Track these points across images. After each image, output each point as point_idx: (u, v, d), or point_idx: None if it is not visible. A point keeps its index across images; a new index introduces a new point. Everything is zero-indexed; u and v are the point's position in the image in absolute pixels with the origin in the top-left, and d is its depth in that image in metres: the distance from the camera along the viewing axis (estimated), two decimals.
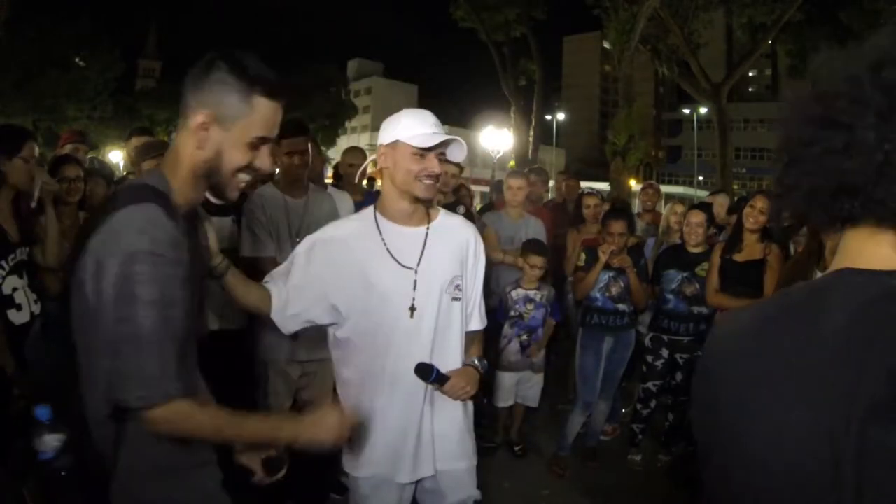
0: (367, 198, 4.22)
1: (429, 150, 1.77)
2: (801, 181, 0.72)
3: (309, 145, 3.05)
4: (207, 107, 1.28)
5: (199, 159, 1.32)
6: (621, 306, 3.80)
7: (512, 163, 24.87)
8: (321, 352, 3.04)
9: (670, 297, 3.81)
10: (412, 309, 1.82)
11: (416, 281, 1.82)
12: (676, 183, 42.62)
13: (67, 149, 4.13)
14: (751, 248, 3.58)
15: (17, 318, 2.45)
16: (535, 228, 4.25)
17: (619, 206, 4.72)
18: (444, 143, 1.80)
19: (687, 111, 41.64)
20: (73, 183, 3.04)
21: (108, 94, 32.15)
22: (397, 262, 1.83)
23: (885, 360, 0.61)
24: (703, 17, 19.05)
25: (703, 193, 25.65)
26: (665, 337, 3.84)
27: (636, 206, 6.45)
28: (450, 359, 1.88)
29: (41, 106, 27.15)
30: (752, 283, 3.48)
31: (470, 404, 2.00)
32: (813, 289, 0.75)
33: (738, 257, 3.59)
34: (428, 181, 1.79)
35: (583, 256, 3.89)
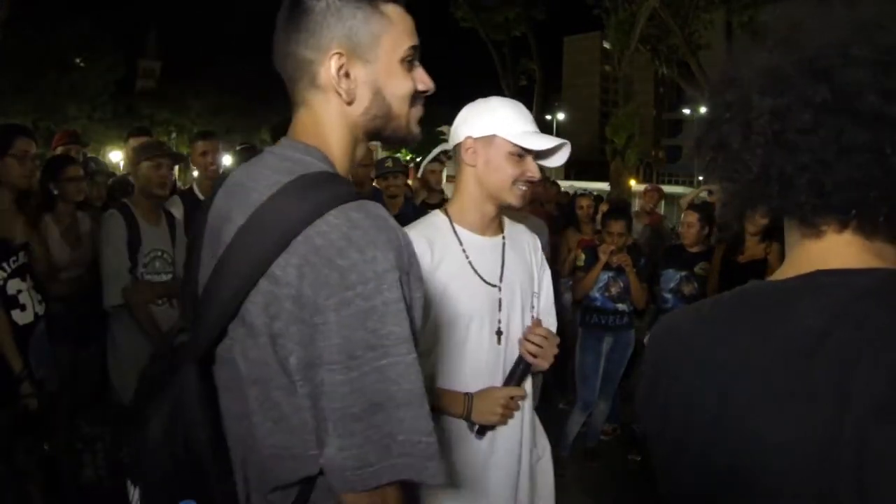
0: (371, 195, 4.23)
1: (525, 150, 1.50)
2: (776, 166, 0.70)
3: None
4: (336, 46, 0.93)
5: (356, 117, 0.97)
6: (621, 306, 3.81)
7: None
8: None
9: (668, 296, 3.81)
10: (499, 333, 1.55)
11: (500, 300, 1.55)
12: (676, 183, 42.57)
13: (60, 150, 4.14)
14: (752, 249, 3.59)
15: (21, 318, 2.46)
16: (538, 227, 4.23)
17: (618, 206, 4.72)
18: (551, 148, 1.53)
19: (687, 111, 41.61)
20: (77, 183, 3.05)
21: (108, 94, 32.17)
22: (482, 279, 1.54)
23: (882, 358, 0.60)
24: (704, 18, 19.06)
25: (702, 194, 25.65)
26: None
27: (636, 206, 6.47)
28: (528, 383, 1.63)
29: (41, 106, 27.16)
30: None
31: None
32: (779, 289, 0.73)
33: (741, 259, 3.60)
34: (524, 188, 1.53)
35: (582, 256, 3.89)
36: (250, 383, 0.90)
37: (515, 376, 1.56)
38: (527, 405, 1.61)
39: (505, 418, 1.51)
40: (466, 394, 1.51)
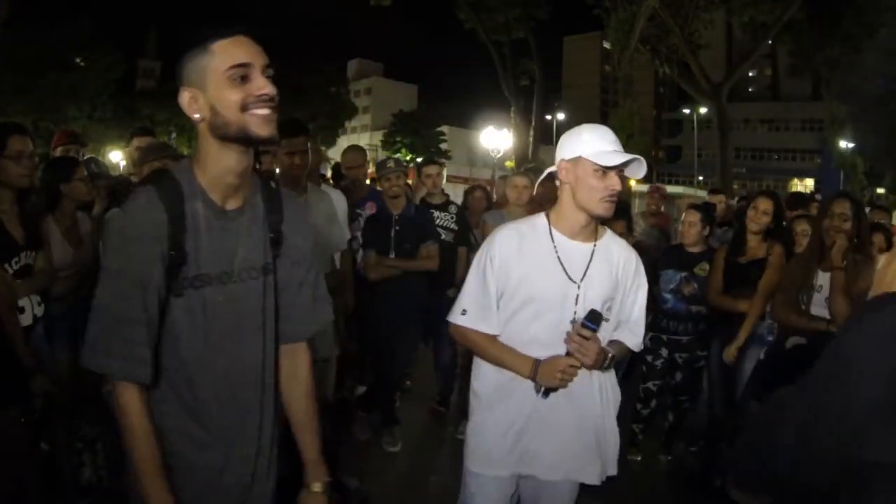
0: (371, 195, 4.22)
1: (612, 168, 1.79)
2: None
3: (308, 145, 3.05)
4: (185, 84, 1.28)
5: (207, 130, 1.29)
6: None
7: (509, 163, 24.87)
8: (321, 351, 3.06)
9: (668, 296, 3.81)
10: (573, 322, 1.83)
11: (578, 295, 1.85)
12: (676, 183, 42.55)
13: (59, 150, 4.13)
14: (754, 249, 3.59)
15: (21, 320, 2.46)
16: None
17: (618, 206, 4.71)
18: (626, 162, 1.80)
19: (687, 111, 41.57)
20: (84, 184, 3.05)
21: (108, 94, 32.15)
22: (566, 273, 1.85)
23: None
24: (704, 17, 19.04)
25: (702, 193, 25.65)
26: (664, 336, 3.84)
27: (637, 207, 6.46)
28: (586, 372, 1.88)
29: (41, 106, 27.14)
30: (755, 284, 3.49)
31: (614, 420, 2.01)
32: None
33: (742, 259, 3.60)
34: (609, 200, 1.81)
35: None
36: None
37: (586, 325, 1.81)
38: (597, 377, 1.91)
39: (564, 383, 1.82)
40: (536, 360, 1.84)
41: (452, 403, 4.55)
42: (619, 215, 3.88)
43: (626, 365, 4.06)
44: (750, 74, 48.55)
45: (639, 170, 1.82)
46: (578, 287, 1.85)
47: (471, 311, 1.92)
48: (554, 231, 1.90)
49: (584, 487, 2.16)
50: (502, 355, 1.89)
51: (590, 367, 1.82)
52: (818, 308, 3.06)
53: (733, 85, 20.50)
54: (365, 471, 3.51)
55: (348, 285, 3.66)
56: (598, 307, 1.83)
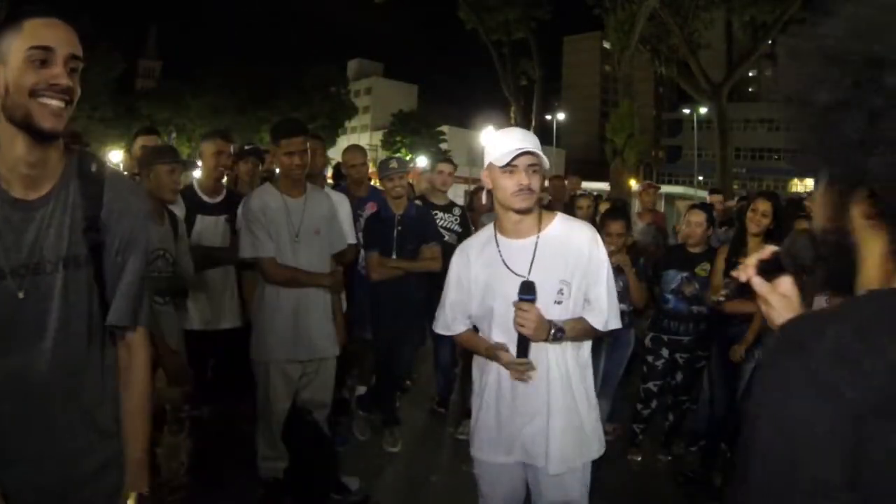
0: (371, 194, 4.23)
1: (514, 165, 1.90)
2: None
3: (308, 145, 3.04)
4: None
5: (0, 109, 1.22)
6: (620, 305, 3.79)
7: None
8: (321, 351, 3.07)
9: (670, 297, 3.81)
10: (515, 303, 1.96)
11: None
12: (676, 183, 42.55)
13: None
14: (754, 250, 3.58)
15: None
16: None
17: (617, 205, 4.72)
18: (530, 155, 1.90)
19: (687, 111, 41.58)
20: None
21: (108, 94, 32.16)
22: (510, 270, 1.98)
23: None
24: (704, 17, 19.04)
25: (702, 193, 25.64)
26: (665, 337, 3.84)
27: (636, 206, 6.47)
28: (550, 355, 1.99)
29: None
30: None
31: (588, 402, 2.12)
32: None
33: (743, 259, 3.59)
34: (522, 194, 1.91)
35: None
36: None
37: (520, 349, 1.94)
38: (552, 357, 2.00)
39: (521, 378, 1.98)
40: (491, 344, 2.03)
41: (452, 403, 4.56)
42: (618, 215, 3.88)
43: (627, 364, 4.06)
44: (750, 74, 48.55)
45: (534, 144, 1.92)
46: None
47: (442, 321, 2.18)
48: (498, 234, 2.06)
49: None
50: (470, 343, 2.18)
51: (532, 337, 1.90)
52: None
53: (733, 85, 20.50)
54: (365, 471, 3.50)
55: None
56: (550, 294, 1.95)
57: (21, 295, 1.22)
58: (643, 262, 3.96)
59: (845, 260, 0.76)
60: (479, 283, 2.06)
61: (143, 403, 1.43)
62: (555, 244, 2.00)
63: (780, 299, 1.05)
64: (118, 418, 1.40)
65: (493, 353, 2.01)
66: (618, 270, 3.78)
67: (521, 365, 1.95)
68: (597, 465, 2.27)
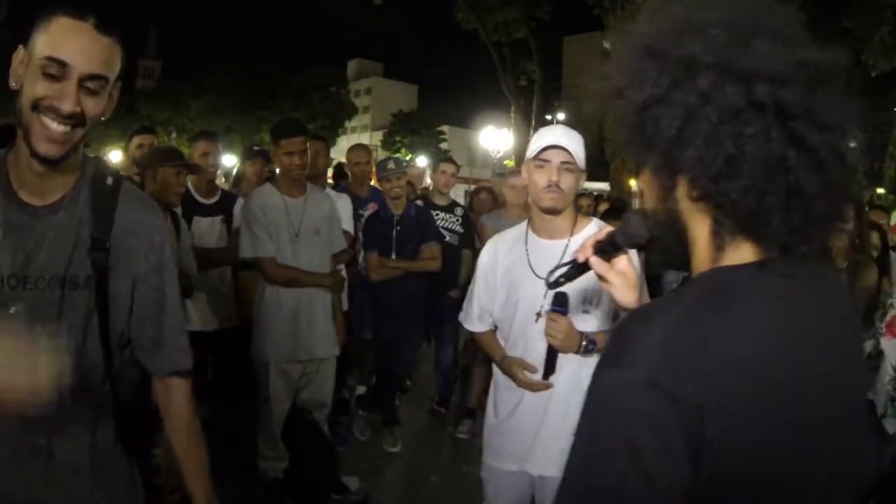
0: (373, 194, 4.23)
1: (545, 160, 1.83)
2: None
3: (308, 145, 3.05)
4: (25, 43, 1.10)
5: (17, 108, 1.09)
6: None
7: (510, 162, 24.89)
8: (321, 351, 3.06)
9: None
10: (538, 315, 1.90)
11: (546, 293, 1.83)
12: None
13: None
14: None
15: None
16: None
17: (616, 206, 4.72)
18: (564, 152, 1.82)
19: None
20: None
21: None
22: (534, 272, 1.90)
23: None
24: None
25: None
26: None
27: (635, 206, 6.47)
28: (570, 367, 1.88)
29: None
30: None
31: None
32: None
33: None
34: (550, 191, 1.84)
35: None
36: None
37: (548, 362, 1.86)
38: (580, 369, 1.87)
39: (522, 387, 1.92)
40: (507, 357, 1.97)
41: (452, 403, 4.56)
42: (617, 215, 3.89)
43: None
44: None
45: (567, 143, 1.83)
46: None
47: (468, 315, 2.12)
48: (530, 232, 1.99)
49: None
50: (487, 347, 2.11)
51: (562, 349, 1.82)
52: None
53: None
54: (365, 471, 3.51)
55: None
56: (578, 301, 1.85)
57: (12, 310, 1.12)
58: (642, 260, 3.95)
59: (678, 239, 0.80)
60: (504, 281, 2.00)
61: (196, 442, 1.33)
62: None
63: (618, 276, 1.08)
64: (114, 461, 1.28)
65: (509, 368, 1.94)
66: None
67: (541, 386, 1.88)
68: None
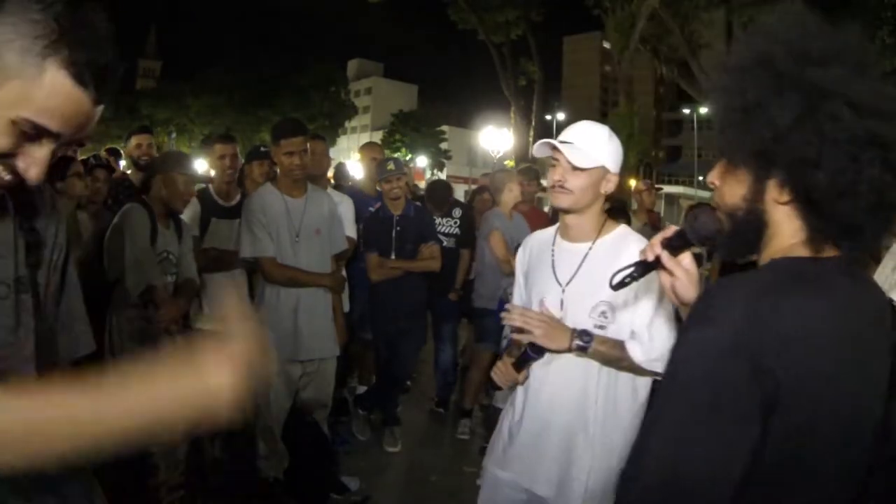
0: (380, 196, 4.22)
1: (555, 158, 1.77)
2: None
3: (308, 145, 3.05)
4: None
5: None
6: None
7: (509, 162, 24.88)
8: (321, 351, 3.06)
9: None
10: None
11: (563, 300, 1.78)
12: (676, 183, 42.57)
13: (60, 150, 4.12)
14: None
15: None
16: (521, 226, 4.18)
17: (616, 205, 4.71)
18: (562, 148, 1.74)
19: (687, 111, 41.58)
20: (102, 185, 3.05)
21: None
22: (555, 275, 1.82)
23: None
24: (704, 17, 19.04)
25: (703, 193, 25.66)
26: None
27: (633, 205, 6.45)
28: (589, 384, 1.73)
29: None
30: None
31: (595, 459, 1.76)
32: None
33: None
34: (555, 191, 1.77)
35: None
36: None
37: (520, 361, 1.78)
38: (582, 380, 1.75)
39: (502, 385, 1.85)
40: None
41: (452, 403, 4.56)
42: (618, 214, 3.88)
43: None
44: None
45: (574, 147, 1.74)
46: (563, 290, 1.78)
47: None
48: (557, 235, 1.90)
49: None
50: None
51: (546, 343, 1.68)
52: None
53: None
54: (365, 471, 3.51)
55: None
56: (585, 311, 1.73)
57: None
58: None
59: (753, 233, 0.93)
60: (527, 282, 1.94)
61: None
62: (608, 256, 1.72)
63: (684, 272, 1.13)
64: None
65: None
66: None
67: (508, 375, 1.80)
68: None
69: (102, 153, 5.57)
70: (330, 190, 3.82)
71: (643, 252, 1.15)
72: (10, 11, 0.75)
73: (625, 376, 1.74)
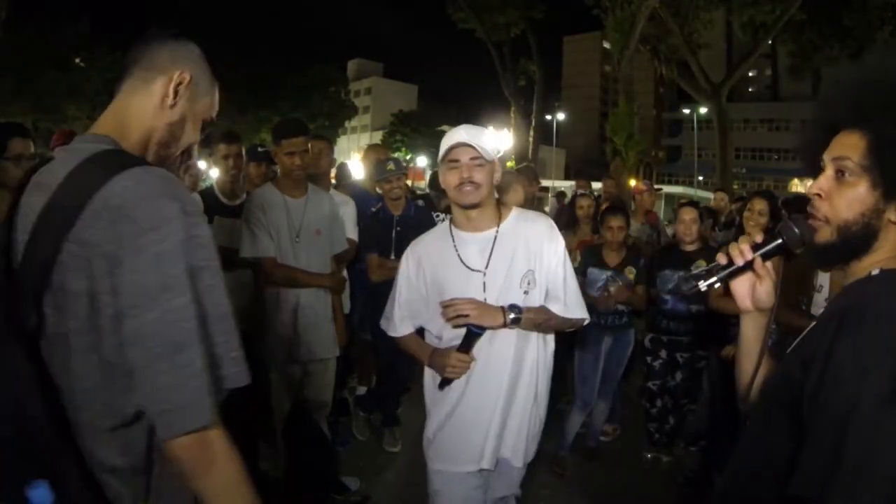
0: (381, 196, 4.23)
1: (455, 160, 1.88)
2: None
3: (309, 145, 3.04)
4: (189, 68, 1.15)
5: (163, 122, 1.14)
6: (619, 306, 3.80)
7: (511, 163, 24.88)
8: (321, 352, 3.06)
9: (667, 297, 3.80)
10: None
11: (485, 283, 1.93)
12: (676, 183, 42.54)
13: (58, 150, 4.12)
14: None
15: None
16: None
17: (616, 204, 4.71)
18: (472, 150, 1.87)
19: (687, 111, 41.53)
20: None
21: (107, 94, 32.05)
22: (466, 266, 1.95)
23: None
24: (704, 17, 19.04)
25: (703, 193, 25.63)
26: (664, 338, 3.83)
27: (632, 205, 6.46)
28: (528, 350, 1.97)
29: (41, 106, 27.12)
30: None
31: (540, 410, 2.08)
32: None
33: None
34: (463, 188, 1.88)
35: (578, 259, 3.88)
36: (79, 352, 0.96)
37: (464, 343, 1.89)
38: (505, 370, 1.95)
39: (455, 376, 1.93)
40: (434, 349, 2.00)
41: None
42: (618, 211, 3.88)
43: (626, 365, 4.05)
44: (750, 74, 48.53)
45: (476, 140, 1.88)
46: (484, 274, 1.93)
47: (390, 321, 2.13)
48: (454, 229, 2.02)
49: (581, 487, 2.19)
50: (414, 349, 2.12)
51: (480, 322, 1.85)
52: (818, 308, 3.06)
53: (733, 85, 20.50)
54: (365, 471, 3.51)
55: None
56: (515, 286, 1.92)
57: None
58: (643, 262, 3.96)
59: (862, 246, 1.01)
60: (432, 281, 2.01)
61: None
62: (513, 236, 1.97)
63: (770, 276, 1.18)
64: None
65: (439, 361, 1.95)
66: (617, 270, 3.78)
67: (461, 361, 1.90)
68: (598, 464, 2.28)
69: None
70: (333, 191, 3.81)
71: (724, 254, 1.17)
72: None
73: (535, 339, 1.99)
